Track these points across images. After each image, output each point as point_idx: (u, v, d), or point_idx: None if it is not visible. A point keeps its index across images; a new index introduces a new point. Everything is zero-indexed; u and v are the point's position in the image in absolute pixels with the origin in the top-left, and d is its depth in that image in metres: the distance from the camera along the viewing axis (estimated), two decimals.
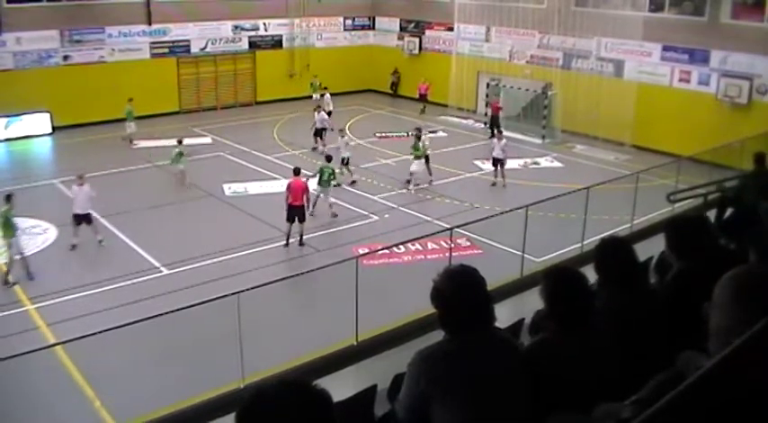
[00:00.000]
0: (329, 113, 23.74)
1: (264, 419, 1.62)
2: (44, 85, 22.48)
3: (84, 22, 23.91)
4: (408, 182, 18.13)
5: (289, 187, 14.24)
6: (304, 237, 14.19)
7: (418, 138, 18.42)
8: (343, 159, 18.37)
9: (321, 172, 15.80)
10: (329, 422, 1.67)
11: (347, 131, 21.23)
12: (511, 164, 19.37)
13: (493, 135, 23.48)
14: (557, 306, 3.03)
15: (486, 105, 25.59)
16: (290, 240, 14.07)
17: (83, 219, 13.81)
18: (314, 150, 21.36)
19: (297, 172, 14.55)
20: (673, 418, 1.44)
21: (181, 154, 17.93)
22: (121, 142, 21.85)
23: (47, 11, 23.11)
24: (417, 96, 28.12)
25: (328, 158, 16.31)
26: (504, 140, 18.63)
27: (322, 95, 26.34)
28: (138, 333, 8.45)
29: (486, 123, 24.67)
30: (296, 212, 14.00)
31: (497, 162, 18.38)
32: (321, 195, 15.78)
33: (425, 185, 18.32)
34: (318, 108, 22.27)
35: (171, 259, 13.14)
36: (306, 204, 14.26)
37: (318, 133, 21.60)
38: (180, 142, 18.49)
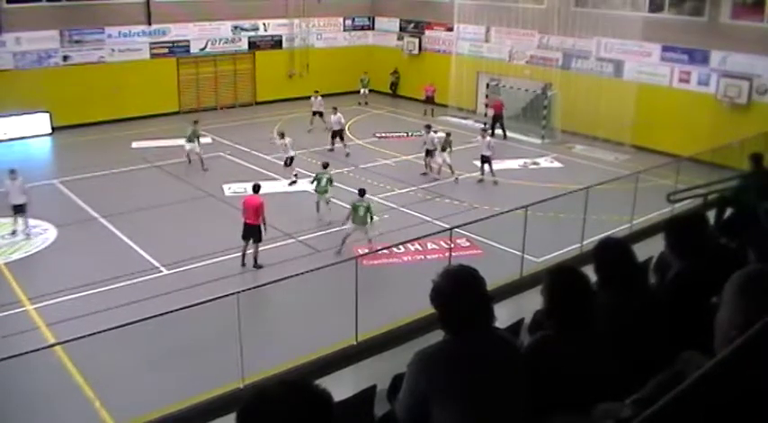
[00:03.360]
0: (320, 114, 23.65)
1: (265, 419, 1.62)
2: (44, 85, 22.46)
3: (85, 23, 23.89)
4: (456, 178, 18.69)
5: (243, 204, 13.14)
6: (258, 259, 12.95)
7: (448, 134, 19.58)
8: (286, 160, 18.37)
9: (354, 209, 13.55)
10: (329, 422, 1.67)
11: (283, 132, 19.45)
12: (510, 164, 19.37)
13: (500, 134, 23.44)
14: (558, 305, 3.04)
15: (486, 106, 25.56)
16: (245, 260, 12.96)
17: (19, 208, 14.37)
18: (330, 151, 20.98)
19: (255, 189, 13.44)
20: (673, 418, 1.44)
21: (331, 181, 15.40)
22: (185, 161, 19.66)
23: (47, 11, 23.09)
24: (424, 98, 27.47)
25: (361, 192, 13.95)
26: (488, 138, 18.74)
27: (363, 92, 27.68)
28: (137, 333, 8.46)
29: (485, 123, 24.52)
30: (250, 231, 12.88)
31: (485, 160, 18.47)
32: (353, 234, 13.59)
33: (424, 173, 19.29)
34: (335, 109, 21.34)
35: (171, 259, 13.13)
36: (262, 224, 12.87)
37: (337, 134, 21.14)
38: (325, 167, 15.71)
